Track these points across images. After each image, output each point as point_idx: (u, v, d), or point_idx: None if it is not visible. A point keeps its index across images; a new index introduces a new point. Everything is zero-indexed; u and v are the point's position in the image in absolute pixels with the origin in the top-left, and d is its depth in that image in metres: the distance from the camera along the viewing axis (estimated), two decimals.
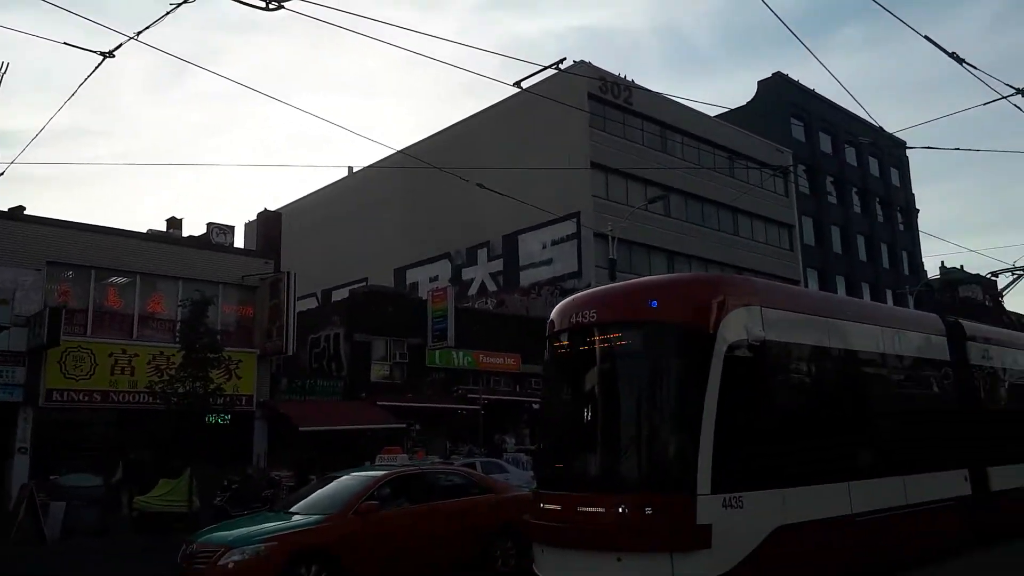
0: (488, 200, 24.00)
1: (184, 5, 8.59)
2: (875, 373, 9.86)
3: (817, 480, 8.12)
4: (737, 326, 7.78)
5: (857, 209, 47.91)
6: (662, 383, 7.82)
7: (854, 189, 48.02)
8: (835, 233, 45.90)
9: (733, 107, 42.53)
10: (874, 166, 50.34)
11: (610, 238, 24.33)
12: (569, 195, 31.87)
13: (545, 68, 11.45)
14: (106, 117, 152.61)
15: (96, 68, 9.68)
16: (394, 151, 20.86)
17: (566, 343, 8.62)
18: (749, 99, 46.46)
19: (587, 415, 8.42)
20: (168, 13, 8.25)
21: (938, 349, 10.99)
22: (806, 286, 40.13)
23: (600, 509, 7.40)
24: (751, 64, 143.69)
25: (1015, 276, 19.61)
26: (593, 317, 8.25)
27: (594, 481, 7.88)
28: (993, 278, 21.19)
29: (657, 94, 35.97)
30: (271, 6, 7.89)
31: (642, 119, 35.62)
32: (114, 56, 9.40)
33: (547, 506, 7.96)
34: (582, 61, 33.07)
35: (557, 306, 9.06)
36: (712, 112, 38.31)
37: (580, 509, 7.56)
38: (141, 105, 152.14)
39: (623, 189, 34.03)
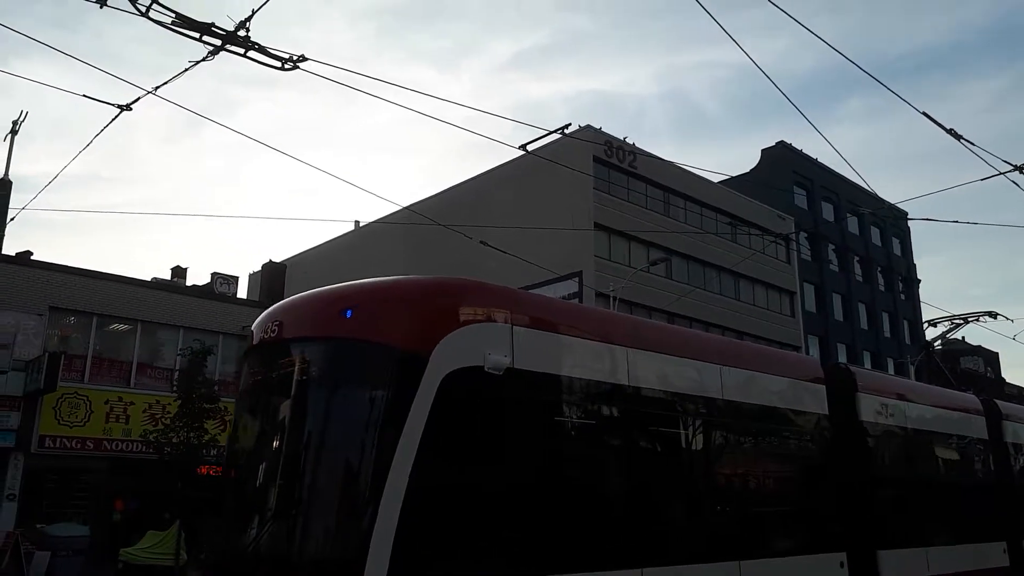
0: (492, 257, 24.17)
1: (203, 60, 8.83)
2: (701, 424, 7.40)
3: (589, 566, 5.82)
4: (467, 348, 5.51)
5: (859, 277, 48.15)
6: (341, 425, 5.50)
7: (856, 257, 48.32)
8: (836, 300, 46.00)
9: (736, 174, 43.15)
10: (875, 235, 50.79)
11: (611, 298, 24.42)
12: (572, 255, 32.08)
13: (551, 132, 11.66)
14: (120, 165, 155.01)
15: (113, 120, 9.90)
16: (400, 207, 21.15)
17: (250, 366, 6.51)
18: (752, 166, 47.17)
19: (248, 465, 6.22)
20: (186, 70, 8.46)
21: (810, 400, 8.66)
22: (807, 352, 39.91)
23: None
24: (755, 132, 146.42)
25: (953, 325, 18.42)
26: (275, 331, 5.99)
27: (232, 560, 5.66)
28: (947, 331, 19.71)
29: (661, 159, 36.56)
30: (287, 66, 8.10)
31: (646, 183, 36.10)
32: (131, 109, 9.62)
33: None
34: (588, 126, 33.72)
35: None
36: (715, 179, 38.90)
37: None
38: (155, 154, 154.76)
39: (625, 250, 34.28)
